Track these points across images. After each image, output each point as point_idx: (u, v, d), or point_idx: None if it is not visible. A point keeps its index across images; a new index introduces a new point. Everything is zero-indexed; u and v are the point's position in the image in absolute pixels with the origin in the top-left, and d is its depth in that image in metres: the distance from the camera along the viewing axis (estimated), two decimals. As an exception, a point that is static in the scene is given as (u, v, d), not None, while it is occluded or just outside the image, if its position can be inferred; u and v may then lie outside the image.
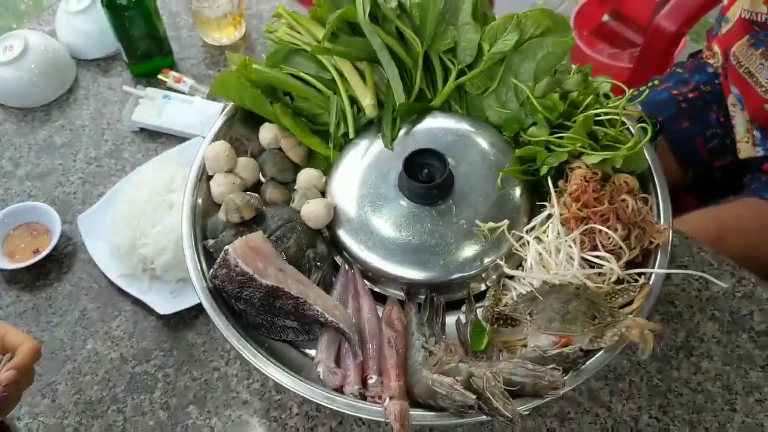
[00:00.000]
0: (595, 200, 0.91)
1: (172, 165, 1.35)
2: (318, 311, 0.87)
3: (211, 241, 0.96)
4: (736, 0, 1.50)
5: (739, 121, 1.54)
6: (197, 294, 0.90)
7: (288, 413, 1.13)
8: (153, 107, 1.49)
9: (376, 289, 0.97)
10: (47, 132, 1.50)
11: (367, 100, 1.03)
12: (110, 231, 1.29)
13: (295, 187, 1.03)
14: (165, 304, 1.23)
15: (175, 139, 1.47)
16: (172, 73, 1.54)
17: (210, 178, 1.02)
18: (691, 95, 1.60)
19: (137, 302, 1.25)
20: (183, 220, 0.98)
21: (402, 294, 0.96)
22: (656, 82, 1.66)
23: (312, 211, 0.96)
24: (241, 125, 1.09)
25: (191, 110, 1.49)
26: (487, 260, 0.94)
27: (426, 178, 0.96)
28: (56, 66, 1.55)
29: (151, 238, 1.25)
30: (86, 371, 1.20)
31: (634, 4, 2.43)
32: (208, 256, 0.96)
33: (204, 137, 1.40)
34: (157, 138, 1.49)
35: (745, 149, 1.55)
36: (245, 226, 0.96)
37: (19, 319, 1.26)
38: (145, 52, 1.53)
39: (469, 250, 0.94)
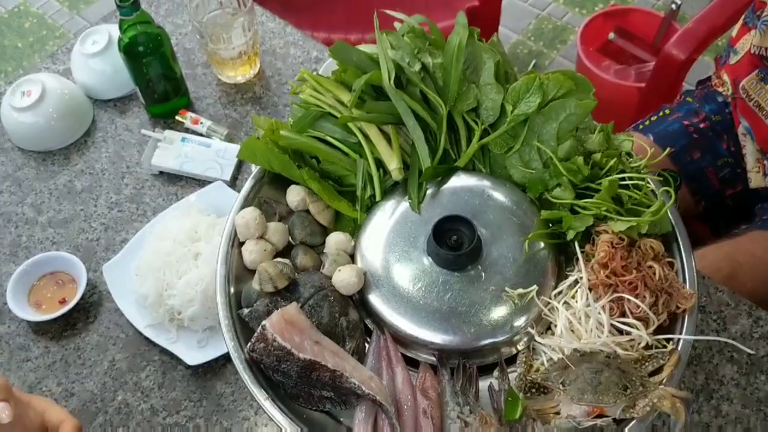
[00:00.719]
0: (622, 268, 0.93)
1: (193, 213, 1.36)
2: (355, 384, 0.89)
3: (246, 311, 0.98)
4: (745, 33, 1.51)
5: (750, 150, 1.56)
6: (237, 368, 0.92)
7: (318, 463, 1.16)
8: (172, 150, 1.50)
9: (408, 354, 0.99)
10: (67, 176, 1.51)
11: (393, 164, 1.04)
12: (136, 281, 1.31)
13: (325, 251, 1.04)
14: (193, 354, 1.25)
15: (195, 182, 1.49)
16: (190, 114, 1.55)
17: (241, 244, 1.04)
18: (702, 125, 1.61)
19: (165, 352, 1.28)
20: (217, 289, 0.99)
21: (433, 359, 0.97)
22: (667, 111, 1.68)
23: (344, 279, 0.98)
24: (269, 187, 1.11)
25: (209, 153, 1.50)
26: (517, 325, 0.96)
27: (454, 245, 0.98)
28: (74, 108, 1.56)
29: (177, 290, 1.26)
30: (117, 423, 1.22)
31: (639, 21, 2.44)
32: (243, 325, 0.98)
33: (224, 181, 1.44)
34: (177, 181, 1.50)
35: (756, 179, 1.57)
36: (278, 294, 0.98)
37: (48, 371, 1.28)
38: (163, 93, 1.54)
39: (499, 316, 0.96)
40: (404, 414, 0.91)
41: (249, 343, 0.92)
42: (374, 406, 0.91)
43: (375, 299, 1.00)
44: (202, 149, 1.51)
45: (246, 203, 1.07)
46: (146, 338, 1.29)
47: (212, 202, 1.40)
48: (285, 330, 0.91)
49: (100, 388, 1.26)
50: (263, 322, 0.91)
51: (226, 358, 1.25)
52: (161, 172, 1.51)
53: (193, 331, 1.28)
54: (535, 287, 0.96)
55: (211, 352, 1.25)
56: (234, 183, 1.48)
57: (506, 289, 0.97)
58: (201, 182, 1.48)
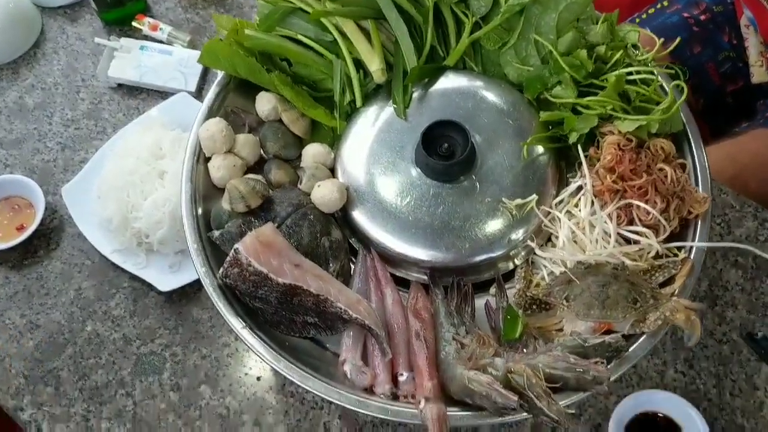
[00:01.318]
0: (631, 172, 0.84)
1: (156, 128, 1.25)
2: (341, 309, 0.81)
3: (216, 233, 0.88)
4: None
5: (753, 43, 1.46)
6: (210, 296, 0.84)
7: (303, 388, 1.10)
8: (130, 60, 1.37)
9: (397, 274, 0.91)
10: (17, 92, 1.38)
11: (374, 65, 0.93)
12: (98, 203, 1.21)
13: (302, 165, 0.95)
14: (165, 280, 1.17)
15: (157, 94, 1.37)
16: (147, 20, 1.41)
17: (207, 159, 0.94)
18: (702, 17, 1.50)
19: (135, 278, 1.19)
20: (183, 211, 0.90)
21: (425, 277, 0.90)
22: (665, 2, 1.56)
23: (324, 195, 0.88)
24: (236, 95, 0.99)
25: (171, 62, 1.37)
26: (515, 238, 0.88)
27: (445, 153, 0.89)
28: (20, 18, 1.41)
29: (143, 212, 1.17)
30: (88, 355, 1.15)
31: None
32: (215, 248, 0.89)
33: (188, 92, 1.32)
34: (137, 94, 1.38)
35: (759, 73, 1.47)
36: (252, 214, 0.89)
37: (10, 302, 1.19)
38: (116, -3, 1.39)
39: (495, 229, 0.88)
40: (395, 337, 0.84)
41: (221, 269, 0.83)
42: (363, 330, 0.84)
43: (359, 216, 0.91)
44: (162, 58, 1.37)
45: (211, 114, 0.96)
46: (114, 264, 1.19)
47: (176, 116, 1.28)
48: (261, 253, 0.82)
49: (68, 319, 1.17)
50: (236, 245, 0.82)
51: (201, 282, 1.17)
52: (120, 85, 1.38)
53: (163, 254, 1.18)
54: (534, 196, 0.88)
55: (184, 277, 1.16)
56: (199, 94, 1.35)
57: (503, 199, 0.88)
58: (163, 94, 1.35)
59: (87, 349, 1.15)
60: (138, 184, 1.18)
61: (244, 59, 0.94)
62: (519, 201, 0.87)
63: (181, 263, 1.18)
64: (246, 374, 1.12)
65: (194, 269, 1.13)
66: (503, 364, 0.78)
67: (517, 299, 0.85)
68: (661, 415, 1.04)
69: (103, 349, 1.15)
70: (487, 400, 0.75)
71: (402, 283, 0.90)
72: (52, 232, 1.25)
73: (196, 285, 1.18)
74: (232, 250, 0.82)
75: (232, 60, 0.94)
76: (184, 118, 1.27)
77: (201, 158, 0.94)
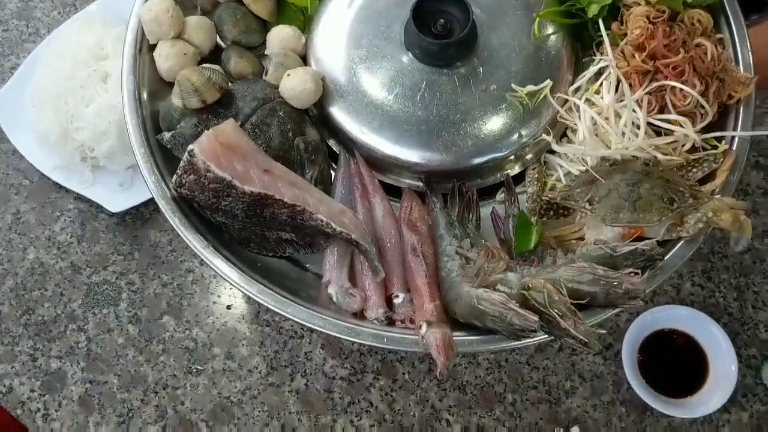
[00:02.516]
0: (665, 48, 0.70)
1: (96, 25, 1.07)
2: (322, 221, 0.67)
3: (166, 135, 0.73)
4: None
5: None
6: (162, 209, 0.69)
7: (281, 315, 0.97)
8: (60, -53, 1.17)
9: (386, 180, 0.77)
10: (-71, -10, 1.18)
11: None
12: (33, 114, 1.04)
13: (266, 53, 0.79)
14: (116, 199, 1.02)
15: (95, -12, 1.18)
16: None
17: (152, 47, 0.77)
18: None
19: (81, 198, 1.04)
20: (125, 110, 0.74)
21: (419, 184, 0.76)
22: None
23: (295, 86, 0.73)
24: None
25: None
26: (526, 134, 0.74)
27: (441, 32, 0.73)
28: None
29: (85, 121, 1.01)
30: (32, 286, 1.00)
31: None
32: (167, 154, 0.74)
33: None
34: (73, -11, 1.19)
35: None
36: (209, 111, 0.73)
37: (-64, 230, 1.03)
38: None
39: (502, 123, 0.74)
40: (388, 254, 0.71)
41: (175, 176, 0.68)
42: (349, 246, 0.70)
43: (339, 112, 0.76)
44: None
45: (152, -7, 0.79)
46: (56, 183, 1.04)
47: (119, 11, 1.09)
48: (222, 156, 0.67)
49: (5, 247, 1.02)
50: (190, 147, 0.67)
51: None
52: (51, -22, 1.19)
53: (112, 171, 1.03)
54: (548, 82, 0.74)
55: (137, 195, 1.02)
56: (145, -15, 1.17)
57: (512, 86, 0.73)
58: (101, -13, 1.17)
59: (30, 280, 1.01)
60: (78, 90, 1.02)
61: None
62: (531, 88, 0.73)
63: (133, 180, 1.03)
64: (214, 303, 0.99)
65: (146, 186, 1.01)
66: (518, 279, 0.65)
67: (530, 205, 0.72)
68: (679, 332, 0.94)
69: (48, 280, 1.01)
70: (501, 321, 0.63)
71: (392, 192, 0.77)
72: (-19, 149, 1.08)
73: (153, 204, 1.03)
74: (186, 153, 0.67)
75: (175, -76, 0.76)
76: (126, 12, 1.09)
77: (145, 47, 0.77)
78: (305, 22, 0.81)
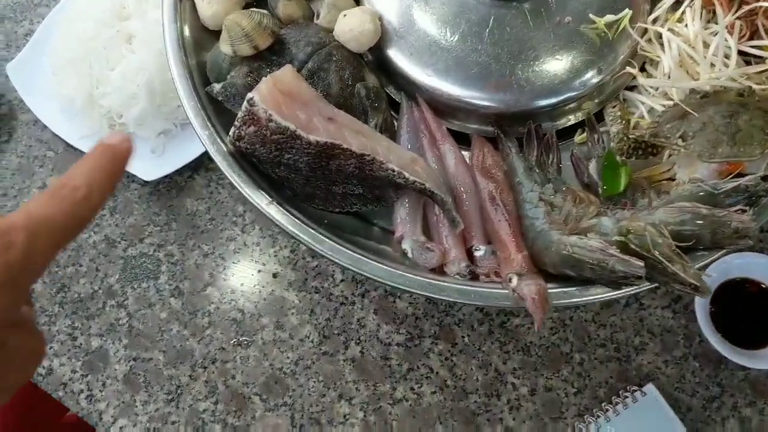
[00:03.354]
0: (757, -34, 0.64)
1: (114, -19, 1.01)
2: (393, 170, 0.62)
3: (216, 86, 0.67)
4: None
5: None
6: (220, 165, 0.63)
7: (331, 281, 0.92)
8: None
9: (451, 127, 0.71)
10: (-69, -44, 1.11)
11: None
12: (55, 81, 0.98)
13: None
14: (148, 168, 0.96)
15: (110, -55, 1.10)
16: None
17: (192, -5, 0.71)
18: None
19: (111, 169, 0.98)
20: (170, 61, 0.68)
21: (489, 128, 0.70)
22: None
23: (353, 27, 0.67)
24: None
25: None
26: (604, 69, 0.68)
27: (508, -40, 0.67)
28: None
29: (112, 85, 0.95)
30: (66, 263, 0.95)
31: None
32: (216, 107, 0.68)
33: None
34: (86, -54, 1.11)
35: None
36: (260, 59, 0.67)
37: (-40, 209, 0.98)
38: None
39: (579, 58, 0.68)
40: (464, 204, 0.65)
41: (233, 129, 0.63)
42: (421, 197, 0.65)
43: (398, 55, 0.70)
44: None
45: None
46: (83, 153, 0.98)
47: (139, -34, 1.03)
48: (283, 104, 0.61)
49: (35, 223, 0.96)
50: (250, 95, 0.61)
51: (192, 167, 0.97)
52: (62, -65, 1.12)
53: (143, 138, 0.97)
54: (627, 11, 0.68)
55: (171, 163, 0.96)
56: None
57: (590, 16, 0.68)
58: (119, -58, 1.10)
59: (63, 256, 0.95)
60: (101, 52, 0.95)
61: None
62: (609, 17, 0.67)
63: (166, 147, 0.97)
64: (259, 271, 0.94)
65: (183, 151, 0.95)
66: (613, 224, 0.60)
67: (615, 145, 0.66)
68: (751, 281, 0.89)
69: (82, 255, 0.95)
70: (601, 269, 0.57)
71: (459, 140, 0.71)
72: (1, 121, 1.02)
73: (188, 171, 0.98)
74: (245, 102, 0.61)
75: None
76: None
77: (184, -6, 0.71)
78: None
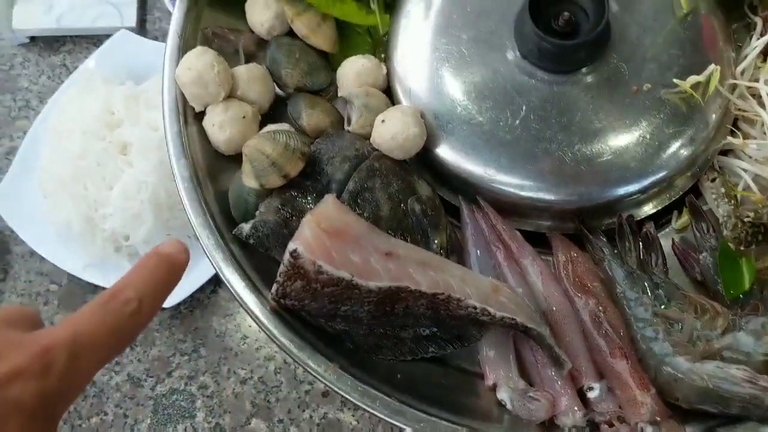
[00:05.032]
0: None
1: (98, 86, 0.90)
2: (475, 307, 0.51)
3: (245, 227, 0.56)
4: None
5: None
6: (260, 327, 0.53)
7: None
8: (38, 2, 0.99)
9: (525, 227, 0.60)
10: None
11: None
12: (47, 205, 0.87)
13: (341, 95, 0.61)
14: (165, 291, 0.85)
15: (86, 40, 1.00)
16: (45, -59, 1.03)
17: (199, 115, 0.60)
18: None
19: (123, 295, 0.87)
20: (187, 208, 0.57)
21: (568, 225, 0.59)
22: None
23: (396, 134, 0.56)
24: (213, 10, 0.64)
25: (94, -10, 1.00)
26: (697, 138, 0.57)
27: (566, 27, 0.56)
28: None
29: (112, 206, 0.84)
30: (88, 413, 0.83)
31: None
32: (247, 249, 0.57)
33: (127, 28, 0.96)
34: (60, 46, 1.01)
35: None
36: (293, 187, 0.56)
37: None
38: None
39: (665, 130, 0.57)
40: (565, 333, 0.54)
41: (275, 286, 0.52)
42: (508, 331, 0.54)
43: (450, 153, 0.59)
44: (79, -11, 1.01)
45: (185, 44, 0.61)
46: (90, 284, 0.87)
47: (121, 64, 0.93)
48: (332, 249, 0.50)
49: (47, 370, 0.85)
50: (291, 245, 0.50)
51: (214, 280, 0.86)
52: (33, 38, 1.01)
53: (154, 256, 0.86)
54: (714, 66, 0.57)
55: (190, 281, 0.85)
56: (143, 26, 1.00)
57: (673, 81, 0.57)
58: (95, 39, 0.99)
59: (83, 406, 0.84)
60: (95, 169, 0.84)
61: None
62: (695, 78, 0.56)
63: (182, 263, 0.86)
64: (306, 392, 0.83)
65: (200, 265, 0.84)
66: (754, 339, 0.49)
67: (730, 233, 0.55)
68: None
69: (106, 401, 0.84)
70: (754, 407, 0.46)
71: (534, 241, 0.60)
72: (-8, 257, 0.91)
73: (208, 287, 0.86)
74: (288, 255, 0.50)
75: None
76: (133, 64, 0.93)
77: (190, 116, 0.60)
78: (375, 47, 0.64)
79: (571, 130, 0.57)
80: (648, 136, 0.57)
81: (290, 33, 0.63)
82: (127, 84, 0.90)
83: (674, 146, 0.57)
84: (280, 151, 0.54)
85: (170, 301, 0.83)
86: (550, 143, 0.57)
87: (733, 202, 0.56)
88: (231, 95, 0.60)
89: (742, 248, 0.54)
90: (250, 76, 0.60)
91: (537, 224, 0.60)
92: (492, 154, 0.57)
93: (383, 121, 0.57)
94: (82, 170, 0.85)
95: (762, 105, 0.57)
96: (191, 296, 0.86)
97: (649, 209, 0.59)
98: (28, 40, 1.01)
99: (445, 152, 0.59)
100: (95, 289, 0.88)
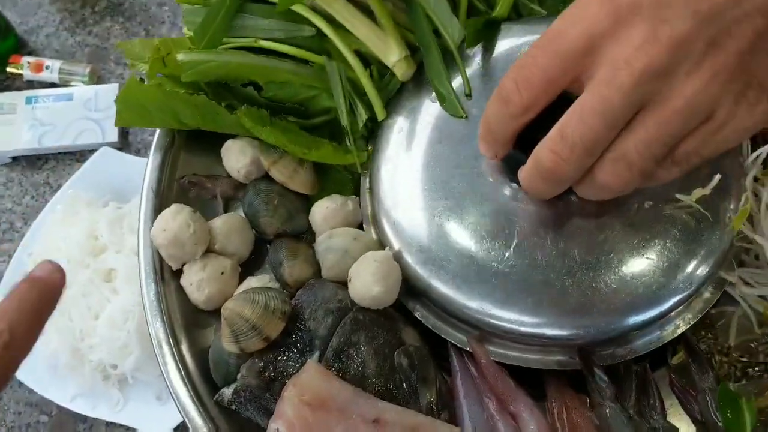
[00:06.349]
0: None
1: (82, 209, 0.90)
2: (469, 475, 0.48)
3: (227, 392, 0.54)
4: None
5: None
6: None
7: None
8: (19, 121, 1.00)
9: (517, 363, 0.58)
10: None
11: (393, 54, 0.59)
12: (32, 337, 0.85)
13: (321, 245, 0.60)
14: (156, 418, 0.83)
15: (69, 157, 1.00)
16: (26, 59, 1.03)
17: (176, 273, 0.59)
18: None
19: (115, 425, 0.85)
20: (168, 376, 0.55)
21: (558, 359, 0.57)
22: None
23: (363, 294, 0.54)
24: (189, 157, 0.64)
25: (75, 108, 1.01)
26: (704, 263, 0.55)
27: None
28: None
29: (98, 336, 0.83)
30: None
31: None
32: (230, 415, 0.55)
33: (109, 144, 0.96)
34: (43, 165, 1.01)
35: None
36: (274, 347, 0.54)
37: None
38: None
39: (670, 251, 0.55)
40: (564, 491, 0.52)
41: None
42: (508, 492, 0.51)
43: (441, 289, 0.56)
44: (62, 106, 1.01)
45: (160, 200, 0.60)
46: (79, 415, 0.85)
47: (104, 182, 0.93)
48: (314, 424, 0.48)
49: None
50: (272, 425, 0.48)
51: None
52: (14, 159, 1.01)
53: (144, 383, 0.84)
54: (718, 177, 0.55)
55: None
56: (126, 142, 0.99)
57: (677, 196, 0.55)
58: (78, 155, 0.99)
59: None
60: (80, 299, 0.84)
61: (187, 101, 0.58)
62: (699, 191, 0.54)
63: (172, 388, 0.84)
64: None
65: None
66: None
67: (721, 368, 0.53)
68: None
69: None
70: None
71: (516, 375, 0.57)
72: (-20, 387, 0.89)
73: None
74: (269, 435, 0.48)
75: (168, 107, 0.58)
76: (115, 182, 0.93)
77: (167, 273, 0.59)
78: (355, 182, 0.63)
79: (569, 255, 0.54)
80: (656, 258, 0.55)
81: (267, 176, 0.61)
82: (110, 205, 0.89)
83: (686, 266, 0.55)
84: (259, 313, 0.53)
85: (163, 428, 0.81)
86: (548, 272, 0.54)
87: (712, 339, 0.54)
88: (209, 249, 0.58)
89: (733, 385, 0.52)
90: (228, 228, 0.59)
91: (536, 360, 0.58)
92: (485, 287, 0.55)
93: (350, 279, 0.55)
94: (67, 301, 0.83)
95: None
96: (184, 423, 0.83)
97: (635, 347, 0.57)
98: (10, 160, 1.00)
99: (436, 288, 0.56)
100: (85, 419, 0.86)
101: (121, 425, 0.84)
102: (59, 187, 0.96)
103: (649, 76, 0.37)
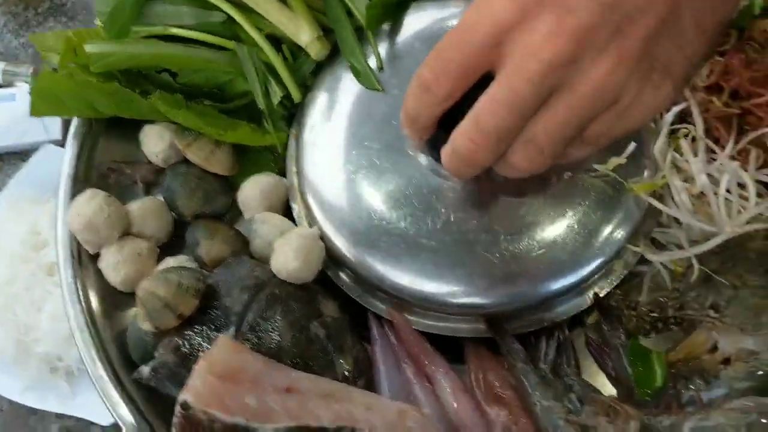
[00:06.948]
0: (751, 83, 0.53)
1: (25, 206, 0.90)
2: (380, 438, 0.49)
3: (145, 370, 0.55)
4: None
5: None
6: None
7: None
8: (-37, 122, 1.00)
9: (440, 332, 0.59)
10: None
11: (305, 34, 0.60)
12: (-23, 335, 0.86)
13: (247, 218, 0.61)
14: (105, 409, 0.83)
15: (12, 157, 1.00)
16: (-34, 61, 1.03)
17: (94, 257, 0.59)
18: None
19: (65, 416, 0.85)
20: (82, 353, 0.56)
21: (476, 327, 0.58)
22: None
23: (291, 260, 0.55)
24: (108, 143, 0.64)
25: (17, 108, 1.01)
26: (618, 230, 0.56)
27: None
28: None
29: (43, 330, 0.83)
30: None
31: None
32: (150, 393, 0.56)
33: (52, 142, 0.96)
34: (-14, 165, 1.01)
35: None
36: (190, 323, 0.55)
37: None
38: None
39: (587, 220, 0.56)
40: (477, 451, 0.53)
41: (169, 439, 0.50)
42: (422, 454, 0.52)
43: (373, 266, 0.57)
44: (5, 106, 1.01)
45: (77, 186, 0.61)
46: (31, 408, 0.85)
47: (46, 180, 0.92)
48: (225, 395, 0.49)
49: (-10, 505, 0.83)
50: (180, 397, 0.49)
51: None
52: (-40, 159, 1.01)
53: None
54: (633, 145, 0.56)
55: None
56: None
57: (593, 166, 0.56)
58: (20, 155, 0.99)
59: None
60: (23, 294, 0.84)
61: (99, 89, 0.59)
62: (615, 160, 0.55)
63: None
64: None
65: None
66: (664, 445, 0.48)
67: (633, 322, 0.54)
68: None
69: None
70: None
71: (437, 343, 0.59)
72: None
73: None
74: (178, 407, 0.49)
75: (81, 96, 0.59)
76: (58, 178, 0.92)
77: (85, 257, 0.60)
78: (277, 162, 0.64)
79: (494, 228, 0.55)
80: (570, 230, 0.55)
81: (186, 160, 0.62)
82: (51, 202, 0.89)
83: (605, 232, 0.56)
84: (172, 292, 0.53)
85: (109, 419, 0.82)
86: (475, 245, 0.55)
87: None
88: (127, 232, 0.59)
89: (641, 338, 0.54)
90: (145, 210, 0.60)
91: (447, 324, 0.59)
92: (416, 262, 0.56)
93: (274, 251, 0.56)
94: (10, 297, 0.84)
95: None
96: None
97: (563, 312, 0.58)
98: (-49, 162, 1.00)
99: (367, 265, 0.57)
100: (37, 411, 0.86)
101: (72, 416, 0.85)
102: (6, 186, 0.96)
103: (556, 66, 0.38)
